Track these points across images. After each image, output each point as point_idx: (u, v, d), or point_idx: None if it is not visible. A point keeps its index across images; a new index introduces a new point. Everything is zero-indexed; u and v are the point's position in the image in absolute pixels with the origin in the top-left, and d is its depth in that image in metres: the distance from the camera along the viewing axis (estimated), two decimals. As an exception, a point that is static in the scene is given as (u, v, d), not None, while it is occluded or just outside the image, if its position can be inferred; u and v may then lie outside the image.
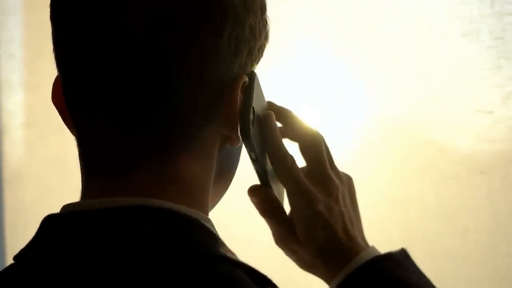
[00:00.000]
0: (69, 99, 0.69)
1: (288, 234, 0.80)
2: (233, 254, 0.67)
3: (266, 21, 0.74)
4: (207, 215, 0.71)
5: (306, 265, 0.81)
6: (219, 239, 0.68)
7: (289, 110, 0.82)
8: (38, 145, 1.84)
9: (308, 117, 1.41)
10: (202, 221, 0.67)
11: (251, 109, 0.71)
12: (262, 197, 0.80)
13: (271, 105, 0.81)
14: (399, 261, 0.78)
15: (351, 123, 1.46)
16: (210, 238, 0.67)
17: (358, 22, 1.44)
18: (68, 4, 0.68)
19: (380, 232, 1.42)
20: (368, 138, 1.44)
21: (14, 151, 1.93)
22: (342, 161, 1.43)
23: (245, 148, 0.76)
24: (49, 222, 0.66)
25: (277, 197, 0.81)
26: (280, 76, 1.49)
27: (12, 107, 1.92)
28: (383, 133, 1.43)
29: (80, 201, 0.68)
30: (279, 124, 0.82)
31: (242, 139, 0.72)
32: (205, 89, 0.68)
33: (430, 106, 1.38)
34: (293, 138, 0.82)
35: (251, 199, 0.80)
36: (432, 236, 1.39)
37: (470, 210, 1.36)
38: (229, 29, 0.68)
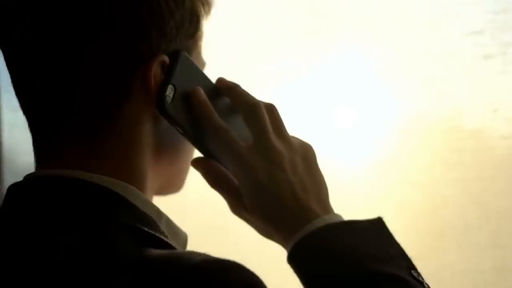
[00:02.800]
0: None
1: (239, 203, 0.79)
2: (146, 221, 0.71)
3: None
4: (140, 185, 0.74)
5: (263, 232, 0.80)
6: (131, 205, 0.72)
7: (236, 84, 0.81)
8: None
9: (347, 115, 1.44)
10: (112, 188, 0.72)
11: (168, 86, 0.74)
12: (204, 169, 0.80)
13: (220, 81, 0.82)
14: (359, 230, 0.74)
15: (402, 92, 1.45)
16: (112, 203, 0.71)
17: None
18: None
19: (435, 194, 1.42)
20: (420, 100, 1.44)
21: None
22: (392, 129, 1.45)
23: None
24: (9, 189, 0.76)
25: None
26: (318, 79, 1.50)
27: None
28: (434, 94, 1.42)
29: (29, 173, 0.77)
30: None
31: (160, 114, 0.75)
32: (112, 75, 0.72)
33: (482, 65, 1.37)
34: (238, 111, 0.81)
35: (199, 172, 0.82)
36: (488, 196, 1.39)
37: (526, 169, 1.35)
38: (120, 18, 0.71)
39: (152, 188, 0.77)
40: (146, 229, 0.69)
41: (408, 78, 1.45)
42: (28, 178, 0.75)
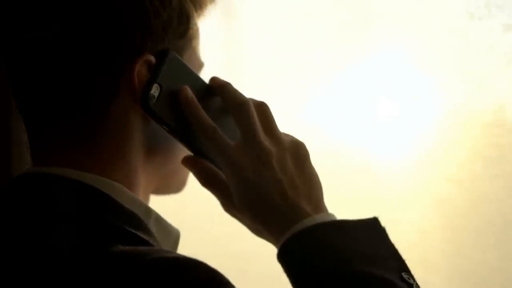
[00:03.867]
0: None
1: (231, 202, 0.79)
2: (129, 219, 0.72)
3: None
4: (131, 184, 0.76)
5: (255, 231, 0.81)
6: (115, 204, 0.73)
7: (227, 83, 0.81)
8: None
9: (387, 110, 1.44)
10: (99, 187, 0.73)
11: (154, 85, 0.75)
12: (194, 168, 0.81)
13: (213, 80, 0.81)
14: (350, 230, 0.74)
15: (442, 86, 1.44)
16: (95, 200, 0.73)
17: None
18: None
19: (474, 190, 1.40)
20: (460, 94, 1.42)
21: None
22: (432, 123, 1.43)
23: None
24: (5, 184, 0.78)
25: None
26: (358, 72, 1.49)
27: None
28: (474, 88, 1.41)
29: (27, 168, 0.79)
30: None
31: (145, 112, 0.75)
32: (100, 75, 0.74)
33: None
34: (228, 109, 0.80)
35: (189, 170, 0.82)
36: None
37: None
38: (104, 18, 0.73)
39: (147, 187, 0.79)
40: (126, 226, 0.70)
41: (448, 72, 1.43)
42: (23, 174, 0.76)
